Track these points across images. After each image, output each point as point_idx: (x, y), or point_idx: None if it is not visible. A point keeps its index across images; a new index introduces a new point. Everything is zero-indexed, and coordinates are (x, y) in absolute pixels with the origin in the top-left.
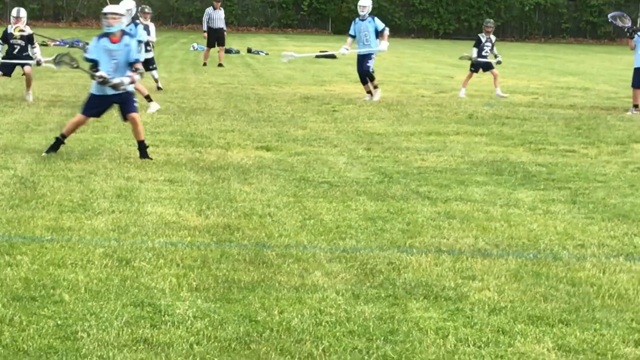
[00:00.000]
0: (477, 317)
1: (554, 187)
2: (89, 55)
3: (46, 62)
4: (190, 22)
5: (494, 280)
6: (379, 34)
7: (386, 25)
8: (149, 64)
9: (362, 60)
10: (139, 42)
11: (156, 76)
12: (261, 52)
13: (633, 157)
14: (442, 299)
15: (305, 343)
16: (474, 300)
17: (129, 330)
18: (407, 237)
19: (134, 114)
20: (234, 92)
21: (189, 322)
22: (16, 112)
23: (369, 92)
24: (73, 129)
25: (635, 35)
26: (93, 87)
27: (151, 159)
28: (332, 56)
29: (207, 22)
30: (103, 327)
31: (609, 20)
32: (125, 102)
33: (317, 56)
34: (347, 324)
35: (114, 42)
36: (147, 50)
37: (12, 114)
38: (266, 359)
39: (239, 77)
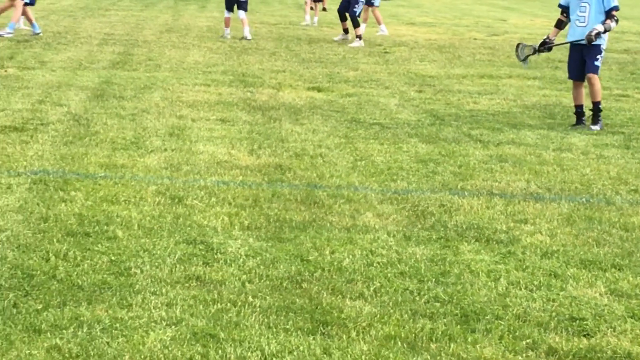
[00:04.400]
0: (529, 260)
1: (607, 131)
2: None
3: None
4: None
5: (546, 224)
6: None
7: None
8: None
9: (349, 3)
10: None
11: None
12: None
13: None
14: (494, 242)
15: (356, 283)
16: (525, 244)
17: (182, 268)
18: (458, 179)
19: (590, 75)
20: (285, 33)
21: (241, 260)
22: (69, 49)
23: (346, 29)
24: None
25: None
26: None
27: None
28: None
29: None
30: (156, 263)
31: None
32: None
33: None
34: (398, 265)
35: None
36: None
37: (65, 51)
38: (317, 299)
39: (290, 17)
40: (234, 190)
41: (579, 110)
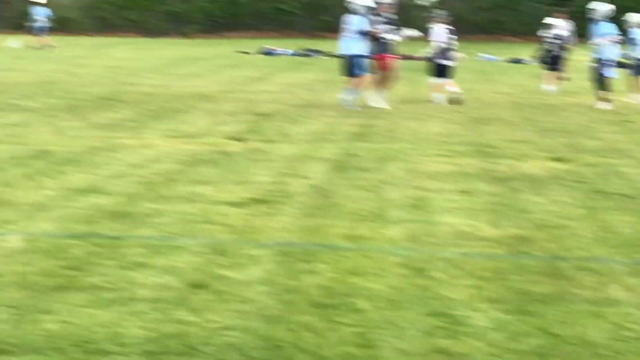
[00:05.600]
0: None
1: None
2: None
3: None
4: (477, 32)
5: None
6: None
7: None
8: None
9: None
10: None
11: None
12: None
13: None
14: None
15: (605, 358)
16: None
17: (426, 340)
18: None
19: None
20: (523, 102)
21: (486, 333)
22: (311, 122)
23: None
24: None
25: None
26: None
27: None
28: None
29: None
30: (401, 336)
31: None
32: None
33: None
34: None
35: None
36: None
37: (307, 124)
38: None
39: (527, 86)
40: (476, 262)
41: None
